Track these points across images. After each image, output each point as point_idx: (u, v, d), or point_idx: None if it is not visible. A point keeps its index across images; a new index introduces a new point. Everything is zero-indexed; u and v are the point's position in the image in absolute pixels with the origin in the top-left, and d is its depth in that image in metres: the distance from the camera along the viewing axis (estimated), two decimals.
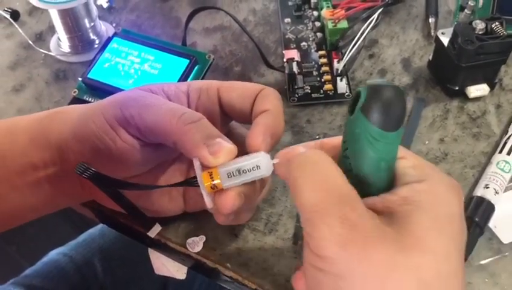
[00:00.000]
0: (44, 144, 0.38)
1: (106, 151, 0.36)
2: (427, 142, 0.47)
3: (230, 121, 0.40)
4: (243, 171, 0.33)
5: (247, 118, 0.37)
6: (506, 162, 0.43)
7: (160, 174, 0.40)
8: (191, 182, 0.34)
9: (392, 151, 0.29)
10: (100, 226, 0.69)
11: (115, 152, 0.36)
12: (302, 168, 0.29)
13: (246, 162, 0.33)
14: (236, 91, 0.37)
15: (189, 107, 0.38)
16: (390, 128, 0.28)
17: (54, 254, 0.66)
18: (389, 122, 0.28)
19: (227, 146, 0.33)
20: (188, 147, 0.33)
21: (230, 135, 0.40)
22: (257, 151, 0.34)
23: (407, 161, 0.30)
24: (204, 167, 0.33)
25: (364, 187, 0.29)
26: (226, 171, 0.33)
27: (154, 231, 0.40)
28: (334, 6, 0.55)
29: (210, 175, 0.33)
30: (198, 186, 0.33)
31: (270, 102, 0.36)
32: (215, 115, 0.38)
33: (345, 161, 0.30)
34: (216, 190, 0.33)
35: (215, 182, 0.33)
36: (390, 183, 0.30)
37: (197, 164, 0.33)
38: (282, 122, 0.36)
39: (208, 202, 0.33)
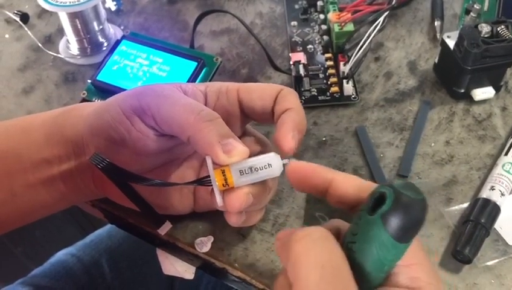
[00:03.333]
0: (59, 140, 0.39)
1: (121, 142, 0.37)
2: (433, 144, 0.47)
3: (248, 122, 0.41)
4: (255, 169, 0.34)
5: (268, 118, 0.38)
6: None
7: (172, 171, 0.40)
8: (202, 181, 0.34)
9: (399, 258, 0.29)
10: (108, 227, 0.70)
11: (129, 143, 0.37)
12: (306, 243, 0.27)
13: (258, 160, 0.34)
14: (256, 92, 0.38)
15: (204, 103, 0.38)
16: (405, 241, 0.28)
17: (61, 254, 0.67)
18: (406, 236, 0.27)
19: (240, 146, 0.34)
20: (202, 143, 0.34)
21: (243, 136, 0.41)
22: (288, 148, 0.35)
23: (409, 271, 0.29)
24: (216, 166, 0.34)
25: (361, 282, 0.28)
26: (238, 168, 0.33)
27: (164, 229, 0.40)
28: (341, 10, 0.55)
29: (222, 172, 0.33)
30: (211, 185, 0.34)
31: (291, 101, 0.37)
32: (235, 117, 0.39)
33: (350, 253, 0.28)
34: (227, 188, 0.34)
35: (228, 179, 0.33)
36: (383, 279, 0.30)
37: (209, 162, 0.34)
38: (305, 119, 0.37)
39: (219, 200, 0.34)
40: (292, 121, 0.36)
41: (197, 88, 0.39)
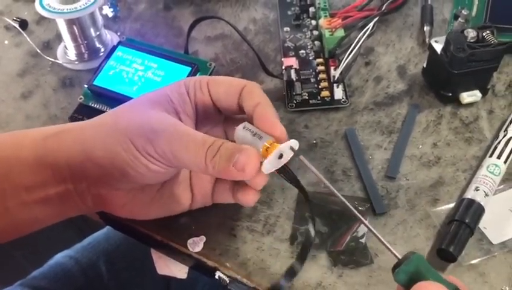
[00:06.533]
0: (52, 163, 0.39)
1: (138, 176, 0.38)
2: (420, 146, 0.48)
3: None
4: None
5: (233, 111, 0.41)
6: (496, 165, 0.44)
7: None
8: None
9: None
10: (105, 229, 0.71)
11: (145, 176, 0.38)
12: None
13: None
14: (222, 86, 0.40)
15: (191, 103, 0.41)
16: None
17: (60, 256, 0.68)
18: None
19: (245, 156, 0.36)
20: (219, 175, 0.37)
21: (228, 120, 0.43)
22: (283, 133, 0.38)
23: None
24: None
25: None
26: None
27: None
28: (332, 16, 0.57)
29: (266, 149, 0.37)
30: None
31: (258, 95, 0.39)
32: (210, 107, 0.41)
33: None
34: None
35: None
36: None
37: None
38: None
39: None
40: (270, 111, 0.38)
41: (181, 92, 0.40)
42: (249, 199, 0.40)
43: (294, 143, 0.38)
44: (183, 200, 0.42)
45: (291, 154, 0.38)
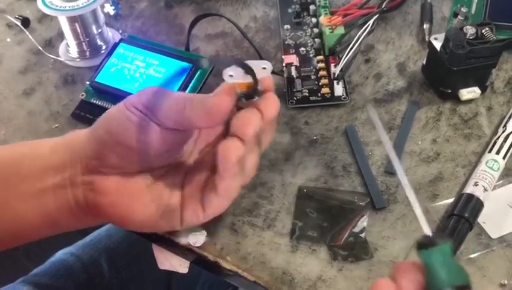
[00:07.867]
0: (64, 149, 0.39)
1: (128, 135, 0.37)
2: (420, 142, 0.49)
3: None
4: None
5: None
6: (495, 161, 0.45)
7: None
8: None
9: None
10: (107, 227, 0.71)
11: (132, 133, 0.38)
12: None
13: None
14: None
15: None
16: None
17: (61, 253, 0.68)
18: None
19: (222, 88, 0.37)
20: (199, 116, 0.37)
21: None
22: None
23: None
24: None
25: None
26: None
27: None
28: (332, 13, 0.57)
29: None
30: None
31: None
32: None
33: None
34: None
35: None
36: None
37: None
38: None
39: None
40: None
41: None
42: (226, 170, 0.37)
43: (268, 65, 0.38)
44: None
45: (264, 75, 0.38)
